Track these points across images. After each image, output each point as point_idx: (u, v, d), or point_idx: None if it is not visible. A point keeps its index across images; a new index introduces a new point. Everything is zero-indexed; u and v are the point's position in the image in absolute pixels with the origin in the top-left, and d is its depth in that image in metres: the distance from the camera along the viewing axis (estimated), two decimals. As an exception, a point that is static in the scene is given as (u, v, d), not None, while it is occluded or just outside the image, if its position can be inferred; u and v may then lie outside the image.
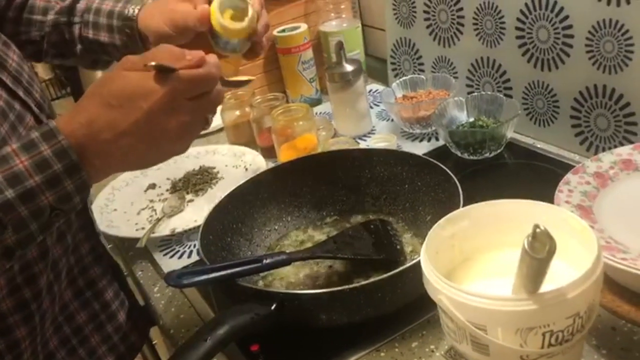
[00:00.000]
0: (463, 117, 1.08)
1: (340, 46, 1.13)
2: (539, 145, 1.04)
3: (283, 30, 1.31)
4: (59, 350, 0.77)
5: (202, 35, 0.79)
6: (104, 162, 0.59)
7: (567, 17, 0.93)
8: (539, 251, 0.45)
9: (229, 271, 0.68)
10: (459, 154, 1.03)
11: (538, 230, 0.44)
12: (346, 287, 0.66)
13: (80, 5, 0.88)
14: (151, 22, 0.83)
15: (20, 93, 0.70)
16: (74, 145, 0.56)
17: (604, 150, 0.94)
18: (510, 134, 1.01)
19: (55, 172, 0.55)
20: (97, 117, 0.57)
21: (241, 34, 0.79)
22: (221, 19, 0.76)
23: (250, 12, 0.77)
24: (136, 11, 0.84)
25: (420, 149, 1.08)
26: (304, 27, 1.31)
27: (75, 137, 0.56)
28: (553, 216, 0.58)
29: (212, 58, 0.60)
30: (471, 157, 1.02)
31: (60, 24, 0.88)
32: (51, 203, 0.56)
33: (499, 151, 1.02)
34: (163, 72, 0.57)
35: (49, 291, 0.73)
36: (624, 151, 0.78)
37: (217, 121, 1.30)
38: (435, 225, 0.60)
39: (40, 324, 0.72)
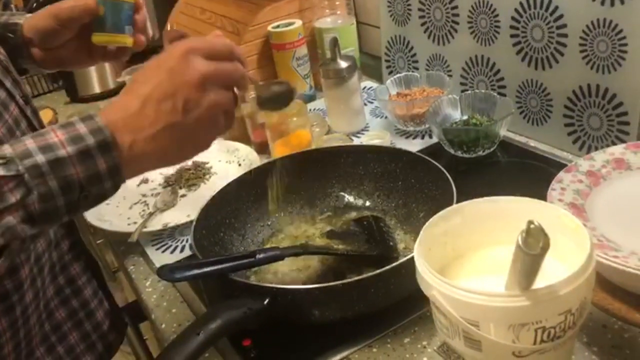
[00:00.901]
0: (457, 115, 1.08)
1: (335, 42, 1.13)
2: (531, 144, 1.04)
3: (277, 26, 1.30)
4: (38, 348, 0.77)
5: (86, 30, 0.83)
6: (135, 137, 0.57)
7: (561, 16, 0.93)
8: (533, 247, 0.45)
9: (221, 266, 0.68)
10: (452, 151, 1.03)
11: (532, 226, 0.44)
12: (339, 282, 0.66)
13: None
14: (37, 21, 0.84)
15: (8, 84, 0.71)
16: (109, 124, 0.56)
17: (596, 149, 0.94)
18: (503, 132, 1.01)
19: (88, 146, 0.55)
20: (126, 97, 0.59)
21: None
22: None
23: None
24: (22, 19, 0.86)
25: (413, 146, 1.08)
26: (298, 23, 1.30)
27: (107, 118, 0.57)
28: (546, 213, 0.58)
29: (225, 39, 0.62)
30: (464, 155, 1.02)
31: None
32: (81, 180, 0.55)
33: (492, 149, 1.02)
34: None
35: (32, 285, 0.72)
36: (617, 150, 0.79)
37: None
38: (429, 222, 0.60)
39: (22, 318, 0.71)
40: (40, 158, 0.53)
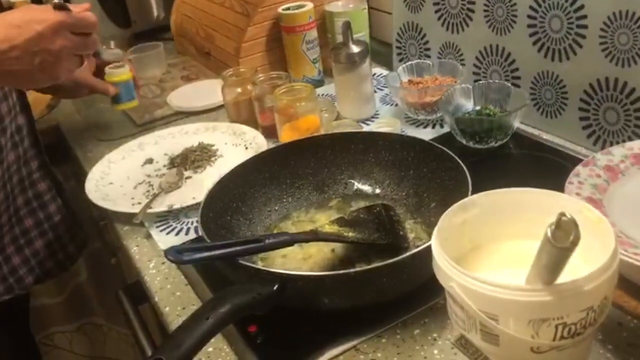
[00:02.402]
0: (469, 105, 1.06)
1: (347, 26, 1.10)
2: (545, 137, 1.02)
3: (288, 8, 1.28)
4: (9, 246, 0.97)
5: None
6: None
7: (582, 6, 0.91)
8: (562, 240, 0.43)
9: (230, 249, 0.66)
10: (464, 142, 1.01)
11: (564, 218, 0.42)
12: (351, 270, 0.65)
13: None
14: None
15: None
16: None
17: (611, 144, 0.93)
18: (517, 124, 0.99)
19: None
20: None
21: None
22: None
23: None
24: None
25: (424, 135, 1.07)
26: (309, 5, 1.28)
27: None
28: (568, 207, 0.56)
29: (93, 15, 0.81)
30: (476, 146, 1.00)
31: None
32: None
33: (504, 141, 1.00)
34: (61, 9, 0.77)
35: (3, 188, 0.93)
36: (636, 145, 0.77)
37: (217, 98, 1.28)
38: (447, 211, 0.59)
39: None
40: None
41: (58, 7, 0.78)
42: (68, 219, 1.07)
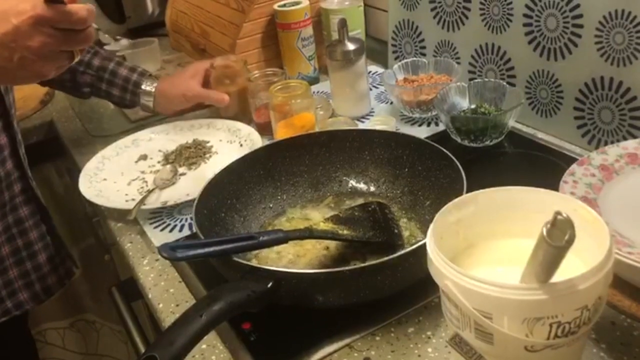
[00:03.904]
0: (465, 103, 1.06)
1: (343, 24, 1.10)
2: (540, 136, 1.03)
3: (284, 5, 1.28)
4: None
5: None
6: None
7: (577, 5, 0.91)
8: (558, 239, 0.43)
9: (224, 247, 0.66)
10: (458, 140, 1.01)
11: (559, 217, 0.42)
12: (346, 268, 0.64)
13: (96, 62, 1.13)
14: (167, 98, 1.15)
15: None
16: None
17: (606, 143, 0.93)
18: (512, 122, 0.99)
19: None
20: None
21: None
22: None
23: None
24: (153, 89, 1.14)
25: (419, 133, 1.06)
26: (305, 2, 1.28)
27: None
28: (563, 206, 0.56)
29: (89, 6, 0.71)
30: (471, 144, 1.00)
31: (76, 70, 1.12)
32: None
33: (499, 139, 1.00)
34: (52, 2, 0.67)
35: None
36: (630, 145, 0.77)
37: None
38: (442, 209, 0.58)
39: None
40: None
41: (49, 0, 0.69)
42: (51, 247, 0.98)
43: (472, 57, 1.13)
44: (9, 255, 0.91)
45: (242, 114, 1.17)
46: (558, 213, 0.43)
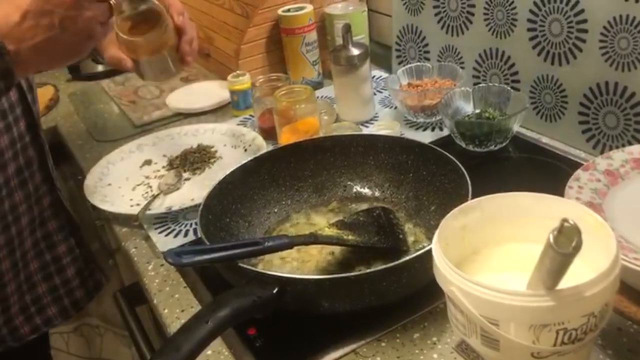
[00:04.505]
0: (469, 108, 1.06)
1: (347, 29, 1.10)
2: (544, 141, 1.02)
3: (288, 10, 1.28)
4: (13, 295, 0.83)
5: None
6: (19, 47, 0.62)
7: (582, 11, 0.91)
8: (564, 246, 0.43)
9: (229, 252, 0.66)
10: (463, 145, 1.01)
11: (566, 224, 0.42)
12: (351, 274, 0.64)
13: None
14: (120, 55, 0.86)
15: None
16: None
17: (610, 148, 0.93)
18: (516, 127, 0.99)
19: None
20: (5, 5, 0.62)
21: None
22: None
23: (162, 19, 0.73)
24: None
25: (423, 138, 1.06)
26: (309, 7, 1.28)
27: None
28: (569, 212, 0.56)
29: None
30: (475, 149, 1.00)
31: None
32: None
33: (504, 144, 1.00)
34: None
35: (5, 230, 0.78)
36: (636, 150, 0.77)
37: (216, 99, 1.28)
38: (448, 215, 0.58)
39: None
40: None
41: None
42: (79, 260, 0.94)
43: (477, 61, 1.13)
44: (38, 271, 0.88)
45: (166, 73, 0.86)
46: (565, 220, 0.42)
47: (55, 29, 0.63)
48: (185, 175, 1.06)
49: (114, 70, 1.59)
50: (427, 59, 1.25)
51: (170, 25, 0.77)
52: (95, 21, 0.66)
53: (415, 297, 0.70)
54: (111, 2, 0.68)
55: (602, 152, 0.93)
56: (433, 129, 1.11)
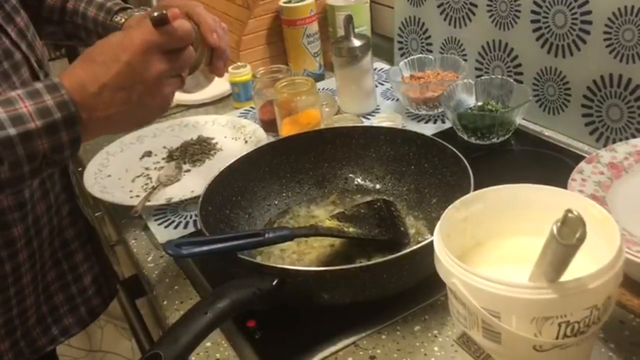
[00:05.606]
0: (471, 100, 1.05)
1: (349, 20, 1.10)
2: (547, 133, 1.02)
3: (289, 1, 1.27)
4: (31, 307, 0.82)
5: None
6: (90, 116, 0.62)
7: (586, 2, 0.90)
8: (568, 237, 0.42)
9: (229, 244, 0.66)
10: (465, 137, 1.01)
11: (570, 215, 0.42)
12: (352, 266, 0.64)
13: (69, 6, 0.94)
14: None
15: (23, 46, 0.73)
16: (71, 100, 0.61)
17: (614, 141, 0.92)
18: (519, 120, 0.99)
19: (55, 120, 0.59)
20: (84, 73, 0.62)
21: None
22: None
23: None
24: (122, 20, 0.89)
25: (425, 130, 1.05)
26: (311, -1, 1.27)
27: (69, 92, 0.61)
28: (572, 204, 0.56)
29: (187, 22, 0.66)
30: (478, 142, 1.00)
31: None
32: (45, 150, 0.60)
33: (506, 137, 1.00)
34: (160, 24, 0.63)
35: (27, 245, 0.77)
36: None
37: (217, 91, 1.28)
38: (450, 207, 0.58)
39: (13, 276, 0.76)
40: (12, 131, 0.57)
41: (157, 23, 0.62)
42: (96, 267, 0.90)
43: (479, 53, 1.13)
44: (55, 281, 0.85)
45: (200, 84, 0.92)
46: (569, 211, 0.42)
47: (131, 103, 0.64)
48: (185, 167, 1.05)
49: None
50: (430, 51, 1.24)
51: (203, 47, 0.78)
52: (172, 94, 0.69)
53: (416, 290, 0.69)
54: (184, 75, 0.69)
55: (605, 145, 0.92)
56: (435, 122, 1.10)
